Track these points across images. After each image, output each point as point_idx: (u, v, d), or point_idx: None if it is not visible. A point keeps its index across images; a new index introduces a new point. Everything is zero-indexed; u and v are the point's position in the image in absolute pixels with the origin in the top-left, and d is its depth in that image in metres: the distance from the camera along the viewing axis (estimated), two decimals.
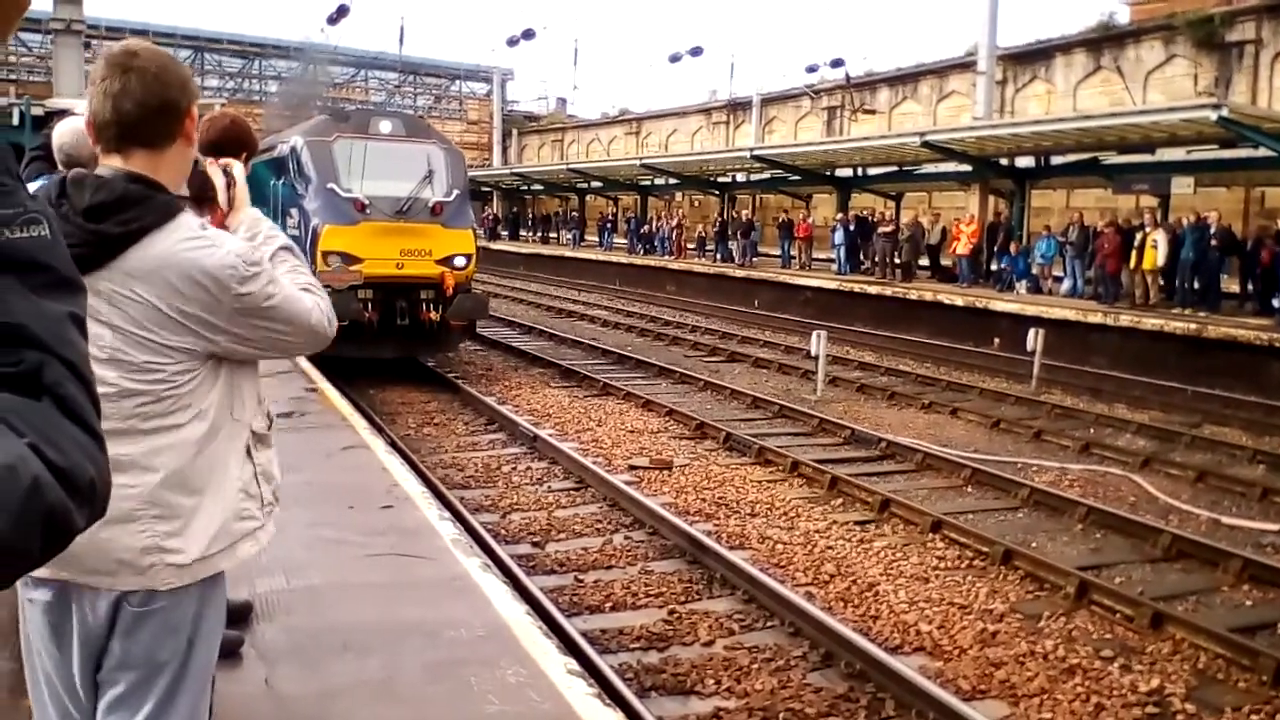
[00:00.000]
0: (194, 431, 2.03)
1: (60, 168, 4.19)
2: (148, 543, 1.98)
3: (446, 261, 14.06)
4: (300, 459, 6.71)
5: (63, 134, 4.26)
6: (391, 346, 14.22)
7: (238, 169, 2.33)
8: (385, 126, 14.63)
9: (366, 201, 13.65)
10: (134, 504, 1.97)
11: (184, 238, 1.99)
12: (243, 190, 2.39)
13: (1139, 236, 19.23)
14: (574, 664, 4.14)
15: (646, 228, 37.98)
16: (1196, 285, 18.89)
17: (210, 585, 2.09)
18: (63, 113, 5.47)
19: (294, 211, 14.28)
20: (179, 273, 1.96)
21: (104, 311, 1.96)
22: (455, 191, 14.47)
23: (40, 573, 1.97)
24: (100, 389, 1.93)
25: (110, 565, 1.97)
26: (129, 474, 1.96)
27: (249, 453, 2.15)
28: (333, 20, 37.93)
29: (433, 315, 14.05)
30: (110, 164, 2.05)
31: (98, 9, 41.85)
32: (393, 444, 9.58)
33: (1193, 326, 16.72)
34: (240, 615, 4.31)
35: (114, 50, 2.06)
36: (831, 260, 28.64)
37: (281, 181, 14.82)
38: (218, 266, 1.98)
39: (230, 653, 3.88)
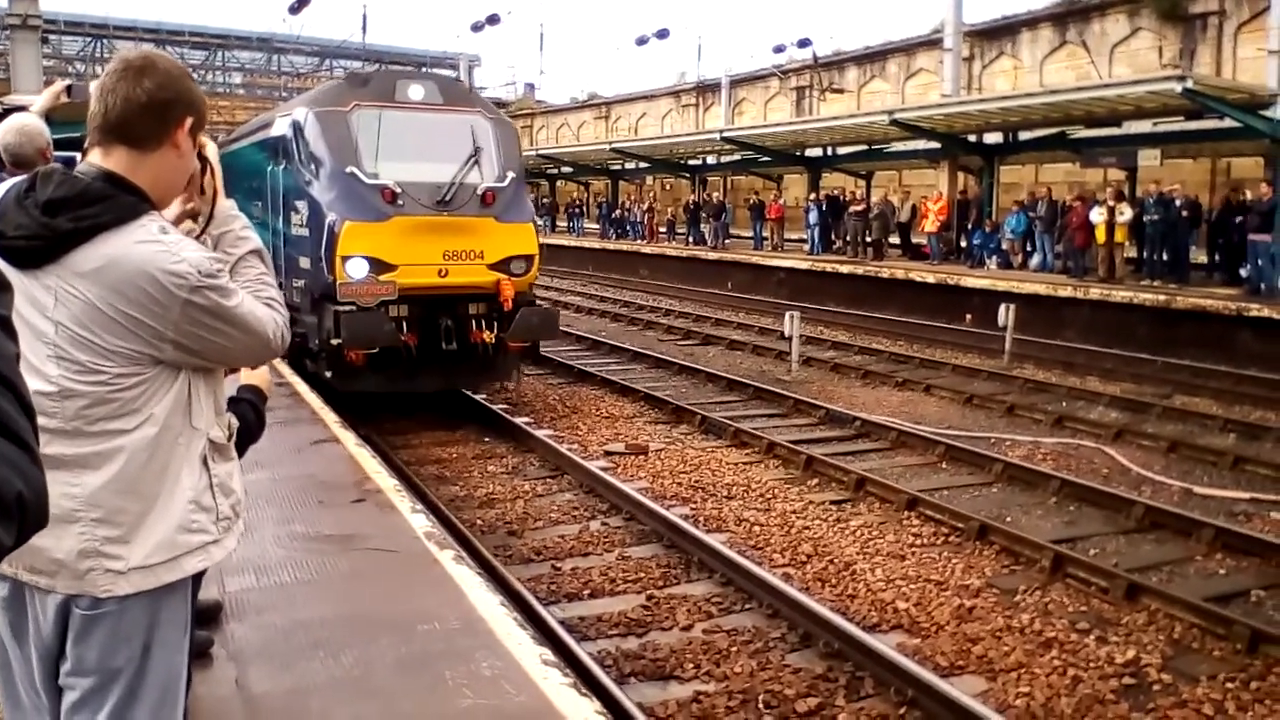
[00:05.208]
0: (142, 436, 1.96)
1: (8, 166, 4.12)
2: (86, 546, 1.92)
3: (502, 266, 10.92)
4: (269, 455, 6.62)
5: (6, 132, 4.19)
6: (433, 378, 11.09)
7: (211, 150, 2.23)
8: (416, 92, 11.23)
9: (398, 190, 10.54)
10: (74, 504, 1.91)
11: (138, 239, 1.92)
12: (219, 177, 2.29)
13: (1101, 211, 19.30)
14: (549, 654, 4.09)
15: (618, 212, 37.91)
16: (1165, 257, 19.04)
17: (167, 592, 2.01)
18: (20, 108, 5.36)
19: (300, 205, 11.14)
20: (124, 274, 1.90)
21: (50, 307, 1.92)
22: (510, 175, 11.31)
23: None
24: (43, 385, 1.89)
25: (49, 565, 1.92)
26: (70, 473, 1.91)
27: (205, 463, 2.07)
28: (294, 9, 37.39)
29: (486, 335, 10.88)
30: (90, 159, 2.00)
31: (56, 3, 41.24)
32: (365, 438, 9.48)
33: (1162, 298, 16.86)
34: (210, 615, 4.25)
35: (129, 53, 2.04)
36: (804, 240, 28.71)
37: (282, 167, 11.70)
38: (165, 272, 1.90)
39: (200, 654, 3.83)
